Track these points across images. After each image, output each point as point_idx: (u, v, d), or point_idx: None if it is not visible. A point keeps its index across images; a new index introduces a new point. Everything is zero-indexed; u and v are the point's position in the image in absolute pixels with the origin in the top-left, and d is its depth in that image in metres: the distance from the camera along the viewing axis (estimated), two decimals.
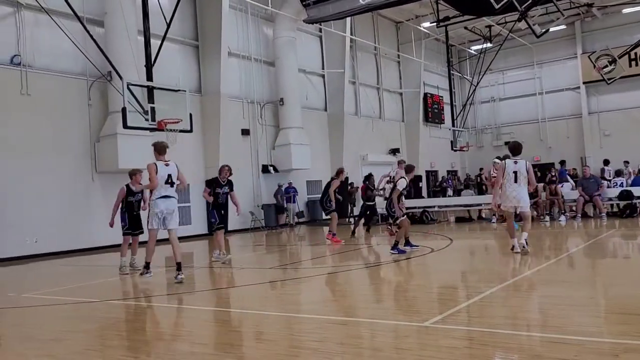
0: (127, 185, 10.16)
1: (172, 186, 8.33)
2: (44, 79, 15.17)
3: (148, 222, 8.43)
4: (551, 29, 29.64)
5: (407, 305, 6.07)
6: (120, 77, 12.62)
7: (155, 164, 8.28)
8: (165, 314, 6.63)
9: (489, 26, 29.89)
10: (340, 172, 14.13)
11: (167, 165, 8.36)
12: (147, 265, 8.83)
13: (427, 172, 31.83)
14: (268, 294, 7.54)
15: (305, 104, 23.49)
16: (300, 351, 4.41)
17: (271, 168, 21.65)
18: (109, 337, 5.46)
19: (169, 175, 8.29)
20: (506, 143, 34.41)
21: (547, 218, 15.99)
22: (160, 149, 8.53)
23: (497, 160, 13.82)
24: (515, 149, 9.38)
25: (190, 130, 13.50)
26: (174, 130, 12.89)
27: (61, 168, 15.03)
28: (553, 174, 18.27)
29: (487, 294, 6.03)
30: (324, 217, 23.74)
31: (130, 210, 10.04)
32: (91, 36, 13.03)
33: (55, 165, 14.91)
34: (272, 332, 5.18)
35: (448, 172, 33.27)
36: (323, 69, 25.53)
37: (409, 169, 10.59)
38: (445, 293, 6.70)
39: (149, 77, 13.14)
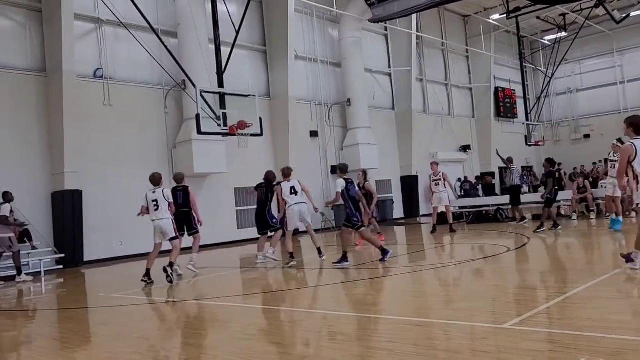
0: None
1: (296, 195, 10.65)
2: (124, 90, 16.03)
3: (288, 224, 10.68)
4: (632, 14, 27.95)
5: (484, 307, 5.92)
6: (194, 85, 13.11)
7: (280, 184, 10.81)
8: (242, 313, 6.81)
9: (563, 14, 28.60)
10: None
11: (289, 181, 10.77)
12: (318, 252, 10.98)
13: (501, 169, 30.84)
14: (341, 294, 7.58)
15: (372, 103, 23.42)
16: (375, 352, 4.42)
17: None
18: (190, 335, 5.69)
19: (292, 188, 10.68)
20: (586, 136, 33.00)
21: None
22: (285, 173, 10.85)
23: (618, 144, 12.33)
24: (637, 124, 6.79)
25: (261, 134, 13.80)
26: (245, 134, 13.23)
27: (142, 174, 15.68)
28: None
29: (570, 294, 5.78)
30: (395, 216, 23.62)
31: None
32: (166, 47, 13.63)
33: (136, 172, 15.67)
34: (347, 332, 5.21)
35: (523, 168, 32.08)
36: (389, 67, 25.35)
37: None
38: (525, 294, 6.48)
39: (220, 84, 13.56)
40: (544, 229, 12.79)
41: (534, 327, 4.70)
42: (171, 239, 9.61)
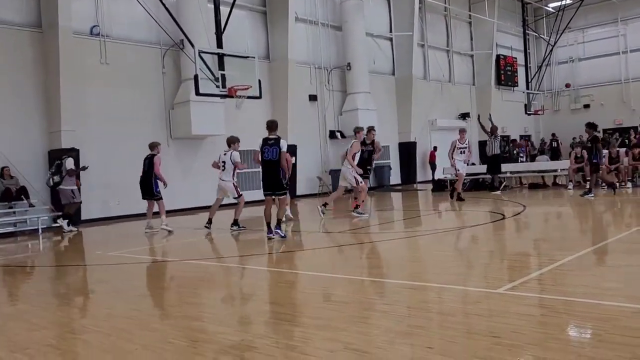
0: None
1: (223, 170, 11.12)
2: (121, 49, 15.80)
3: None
4: None
5: (478, 272, 6.01)
6: (192, 45, 12.93)
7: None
8: (239, 274, 6.90)
9: None
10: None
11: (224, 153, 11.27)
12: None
13: (502, 137, 30.80)
14: (337, 257, 7.67)
15: (372, 68, 23.19)
16: (370, 313, 4.50)
17: (338, 134, 21.67)
18: (186, 295, 5.77)
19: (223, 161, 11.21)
20: (585, 106, 32.84)
21: (630, 185, 15.14)
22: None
23: None
24: None
25: (260, 97, 13.69)
26: (243, 96, 13.13)
27: (139, 134, 15.71)
28: (636, 137, 17.20)
29: (563, 262, 5.86)
30: (392, 183, 23.69)
31: (365, 163, 11.90)
32: (164, 5, 13.37)
33: (133, 132, 15.60)
34: (342, 294, 5.29)
35: (521, 136, 32.06)
36: (391, 32, 25.01)
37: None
38: (518, 260, 6.57)
39: (219, 45, 13.37)
40: (592, 195, 12.72)
41: (526, 292, 4.78)
42: (235, 197, 10.83)
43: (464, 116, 28.50)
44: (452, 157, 14.71)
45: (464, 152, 14.67)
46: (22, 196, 13.36)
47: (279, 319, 4.50)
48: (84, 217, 14.57)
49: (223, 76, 12.84)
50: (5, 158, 13.33)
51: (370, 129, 12.37)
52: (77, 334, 4.50)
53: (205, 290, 6.00)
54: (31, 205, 13.48)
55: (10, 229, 13.03)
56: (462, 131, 14.97)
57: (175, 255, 8.78)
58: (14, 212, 13.20)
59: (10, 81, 13.84)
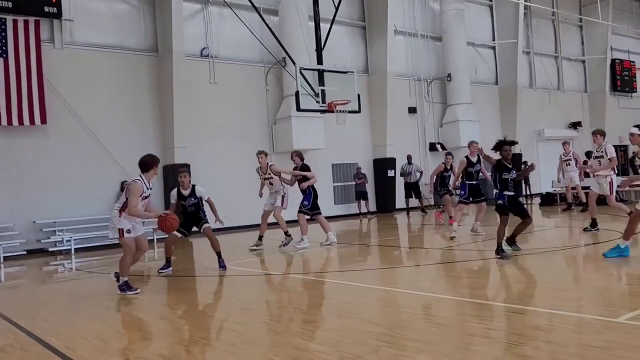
0: (467, 157, 11.03)
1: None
2: (228, 68, 16.63)
3: None
4: None
5: (594, 297, 5.58)
6: (294, 62, 13.30)
7: None
8: (339, 290, 6.91)
9: None
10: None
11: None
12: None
13: (616, 147, 28.59)
14: (438, 276, 7.47)
15: (474, 78, 22.53)
16: (474, 339, 4.32)
17: (438, 145, 21.23)
18: (288, 309, 5.88)
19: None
20: None
21: None
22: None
23: None
24: None
25: (359, 111, 13.77)
26: (343, 111, 13.27)
27: (244, 149, 16.37)
28: None
29: None
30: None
31: (470, 179, 10.99)
32: (267, 25, 13.91)
33: (239, 147, 16.29)
34: (445, 316, 5.14)
35: None
36: (494, 40, 24.17)
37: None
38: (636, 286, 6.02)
39: (319, 61, 13.63)
40: None
41: None
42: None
43: (575, 125, 26.81)
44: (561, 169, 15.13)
45: (569, 164, 14.97)
46: None
47: (379, 339, 4.45)
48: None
49: (323, 92, 13.07)
50: (126, 173, 14.44)
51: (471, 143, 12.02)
52: (186, 345, 4.74)
53: (306, 306, 6.09)
54: None
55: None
56: (565, 144, 15.44)
57: (279, 269, 9.00)
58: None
59: (129, 101, 15.02)
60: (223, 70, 16.52)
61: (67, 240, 12.84)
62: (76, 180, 13.89)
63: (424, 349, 4.02)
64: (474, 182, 11.04)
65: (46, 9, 13.62)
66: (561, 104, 26.64)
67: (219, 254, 8.63)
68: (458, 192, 11.39)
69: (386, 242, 11.45)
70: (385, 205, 19.36)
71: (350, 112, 13.51)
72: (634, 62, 29.51)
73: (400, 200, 18.69)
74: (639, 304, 4.96)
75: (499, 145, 8.28)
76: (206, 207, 8.92)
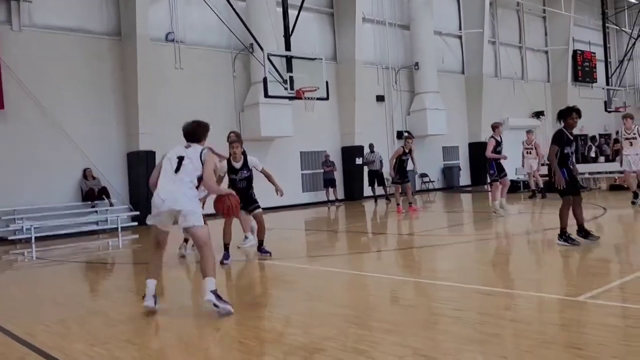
0: (493, 137, 11.36)
1: None
2: (194, 53, 16.35)
3: None
4: None
5: (555, 279, 5.73)
6: (261, 48, 13.19)
7: None
8: (306, 274, 6.92)
9: None
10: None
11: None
12: None
13: (576, 136, 29.38)
14: (405, 260, 7.55)
15: (441, 67, 22.74)
16: (440, 318, 4.39)
17: (406, 134, 21.36)
18: (257, 295, 5.85)
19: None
20: None
21: None
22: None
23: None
24: None
25: (327, 98, 13.76)
26: (311, 98, 13.23)
27: (211, 136, 16.05)
28: None
29: None
30: (461, 184, 23.13)
31: (497, 159, 11.37)
32: (234, 10, 13.72)
33: None
34: (411, 298, 5.20)
35: (600, 135, 30.42)
36: (460, 29, 24.43)
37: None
38: (599, 267, 6.21)
39: (288, 47, 13.55)
40: None
41: (609, 301, 4.50)
42: None
43: (538, 114, 27.40)
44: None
45: (530, 152, 15.52)
46: (104, 196, 14.09)
47: (347, 321, 4.47)
48: None
49: (291, 78, 13.01)
50: (88, 160, 14.11)
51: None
52: (153, 329, 4.67)
53: (276, 290, 6.08)
54: (111, 205, 14.19)
55: (93, 227, 13.79)
56: (528, 132, 16.03)
57: (245, 255, 8.95)
58: (96, 212, 13.95)
59: (91, 87, 14.62)
60: (189, 56, 16.24)
61: (27, 229, 12.51)
62: (36, 166, 13.49)
63: (391, 330, 4.06)
64: (499, 161, 11.57)
65: None
66: (525, 93, 27.18)
67: (261, 242, 7.92)
68: (488, 171, 11.67)
69: (353, 229, 11.52)
70: (353, 193, 19.46)
71: (318, 99, 13.50)
72: (594, 53, 30.27)
73: (368, 188, 18.80)
74: (598, 284, 5.10)
75: (567, 112, 7.17)
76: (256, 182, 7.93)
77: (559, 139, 7.08)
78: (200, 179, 5.06)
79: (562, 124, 7.19)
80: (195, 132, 5.59)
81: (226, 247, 7.60)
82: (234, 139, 7.80)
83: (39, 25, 13.99)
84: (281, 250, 9.12)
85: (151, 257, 5.20)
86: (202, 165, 5.10)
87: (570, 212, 7.12)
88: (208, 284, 4.72)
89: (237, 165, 7.66)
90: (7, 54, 13.23)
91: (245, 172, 7.69)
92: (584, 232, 7.24)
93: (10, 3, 13.50)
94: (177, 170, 5.06)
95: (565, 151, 7.12)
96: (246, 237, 8.92)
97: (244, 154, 7.75)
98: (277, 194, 7.85)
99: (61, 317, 5.11)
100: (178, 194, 4.87)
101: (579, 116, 7.14)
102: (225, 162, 7.67)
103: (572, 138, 7.20)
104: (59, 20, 14.28)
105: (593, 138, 28.59)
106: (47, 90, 13.81)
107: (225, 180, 7.90)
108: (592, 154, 26.43)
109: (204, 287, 4.74)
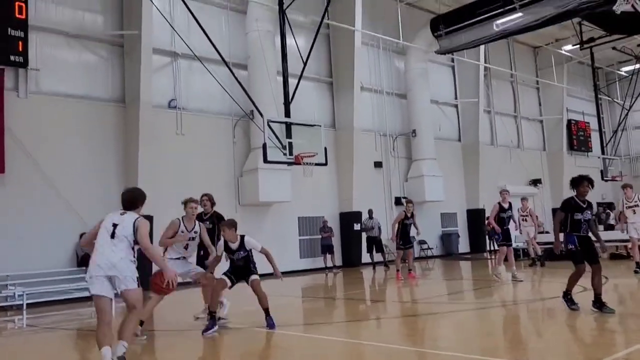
0: (499, 203, 11.59)
1: None
2: (196, 120, 16.65)
3: None
4: None
5: (559, 348, 5.57)
6: (262, 115, 13.45)
7: None
8: (303, 343, 6.74)
9: None
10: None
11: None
12: None
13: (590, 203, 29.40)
14: (403, 328, 7.37)
15: (438, 135, 23.13)
16: None
17: (404, 200, 21.44)
18: None
19: None
20: None
21: None
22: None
23: None
24: None
25: (325, 163, 13.88)
26: (310, 163, 13.36)
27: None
28: None
29: None
30: (460, 251, 22.96)
31: (501, 224, 11.50)
32: (236, 79, 14.10)
33: None
34: None
35: (599, 204, 30.49)
36: (456, 98, 25.05)
37: None
38: (604, 336, 6.06)
39: (287, 114, 13.83)
40: None
41: None
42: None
43: (535, 182, 27.62)
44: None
45: (526, 220, 15.73)
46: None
47: None
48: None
49: (290, 144, 13.18)
50: (85, 224, 14.04)
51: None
52: None
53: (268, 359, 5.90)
54: None
55: (87, 294, 13.49)
56: (523, 199, 16.25)
57: (238, 321, 8.74)
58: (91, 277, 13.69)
59: (93, 151, 14.75)
60: (190, 122, 16.53)
61: (20, 295, 12.24)
62: (32, 231, 13.37)
63: None
64: (505, 228, 11.67)
65: (12, 57, 13.42)
66: (522, 161, 27.50)
67: (266, 311, 7.49)
68: (495, 237, 11.79)
69: (352, 296, 11.32)
70: (351, 259, 19.27)
71: (317, 164, 13.62)
72: (588, 122, 30.90)
73: (366, 254, 18.63)
74: (602, 354, 4.96)
75: (579, 180, 7.36)
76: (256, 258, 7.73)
77: (567, 205, 7.29)
78: (136, 242, 5.29)
79: (575, 192, 7.44)
80: (132, 200, 5.62)
81: (212, 315, 7.29)
82: (225, 224, 7.62)
83: (45, 92, 14.30)
84: (277, 318, 8.92)
85: (98, 327, 5.16)
86: (135, 232, 5.26)
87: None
88: (119, 347, 5.00)
89: (234, 246, 7.58)
90: (12, 120, 13.42)
91: (242, 252, 7.61)
92: (599, 304, 7.11)
93: (18, 70, 13.87)
94: (112, 236, 5.24)
95: (576, 217, 7.21)
96: (221, 303, 8.15)
97: (242, 236, 7.62)
98: (276, 277, 7.62)
99: None
100: (115, 259, 5.14)
101: (591, 185, 7.36)
102: (222, 242, 7.65)
103: (584, 205, 7.32)
104: (65, 87, 14.62)
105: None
106: (49, 154, 13.93)
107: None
108: None
109: (115, 348, 4.96)
